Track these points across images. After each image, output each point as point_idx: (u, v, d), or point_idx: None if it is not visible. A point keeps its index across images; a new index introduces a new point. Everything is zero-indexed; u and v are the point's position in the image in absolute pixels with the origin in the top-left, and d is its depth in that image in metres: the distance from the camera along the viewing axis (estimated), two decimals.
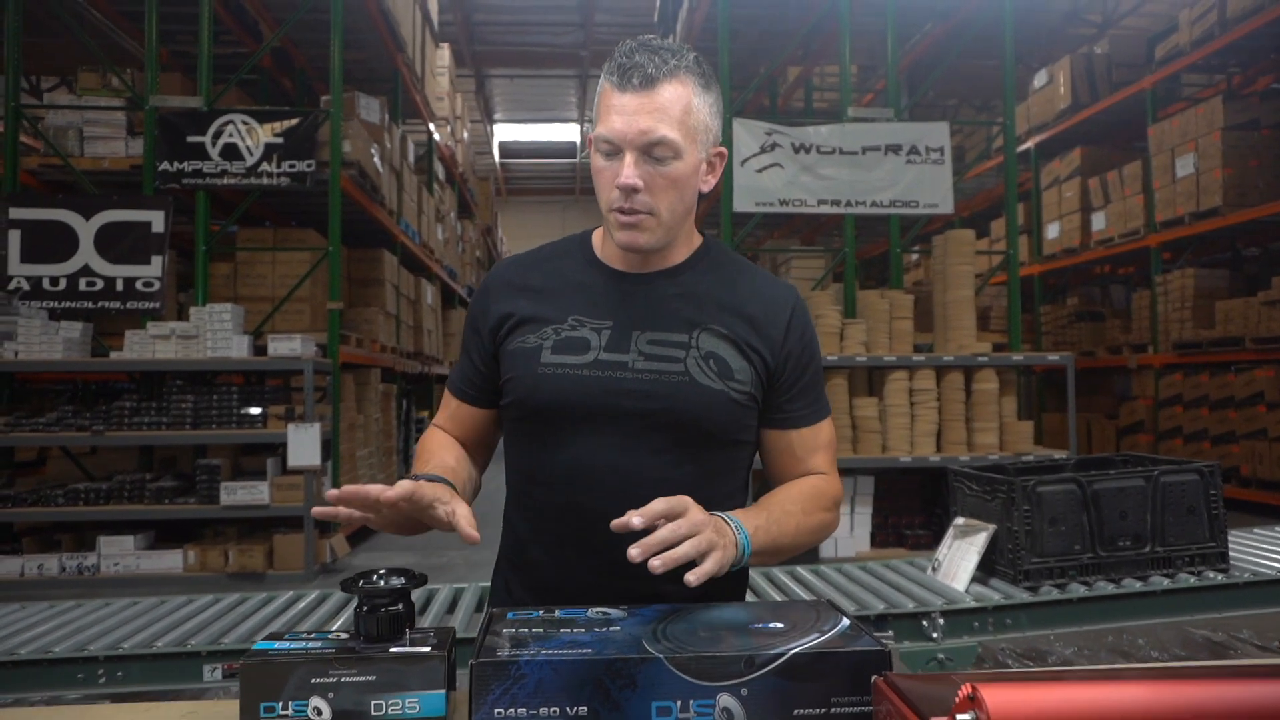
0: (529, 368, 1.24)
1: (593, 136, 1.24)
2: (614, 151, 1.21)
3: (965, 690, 0.61)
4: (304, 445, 5.23)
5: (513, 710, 0.79)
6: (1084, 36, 9.27)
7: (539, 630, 0.89)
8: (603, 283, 1.29)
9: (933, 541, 5.43)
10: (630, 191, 1.19)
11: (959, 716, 0.60)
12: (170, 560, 5.25)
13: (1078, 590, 2.33)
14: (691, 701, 0.81)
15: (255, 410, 5.44)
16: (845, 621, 0.92)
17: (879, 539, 5.50)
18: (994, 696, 0.58)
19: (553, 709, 0.79)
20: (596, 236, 1.35)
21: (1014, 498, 2.36)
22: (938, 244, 5.89)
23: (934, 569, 2.58)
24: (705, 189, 1.28)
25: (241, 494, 5.26)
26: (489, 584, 1.38)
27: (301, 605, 2.52)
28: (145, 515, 5.30)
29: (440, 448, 1.32)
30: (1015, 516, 2.36)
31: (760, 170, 5.86)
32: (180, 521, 5.51)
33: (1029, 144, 9.00)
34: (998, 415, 5.47)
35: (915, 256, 10.38)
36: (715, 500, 1.24)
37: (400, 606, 0.94)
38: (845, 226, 6.24)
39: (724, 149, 1.29)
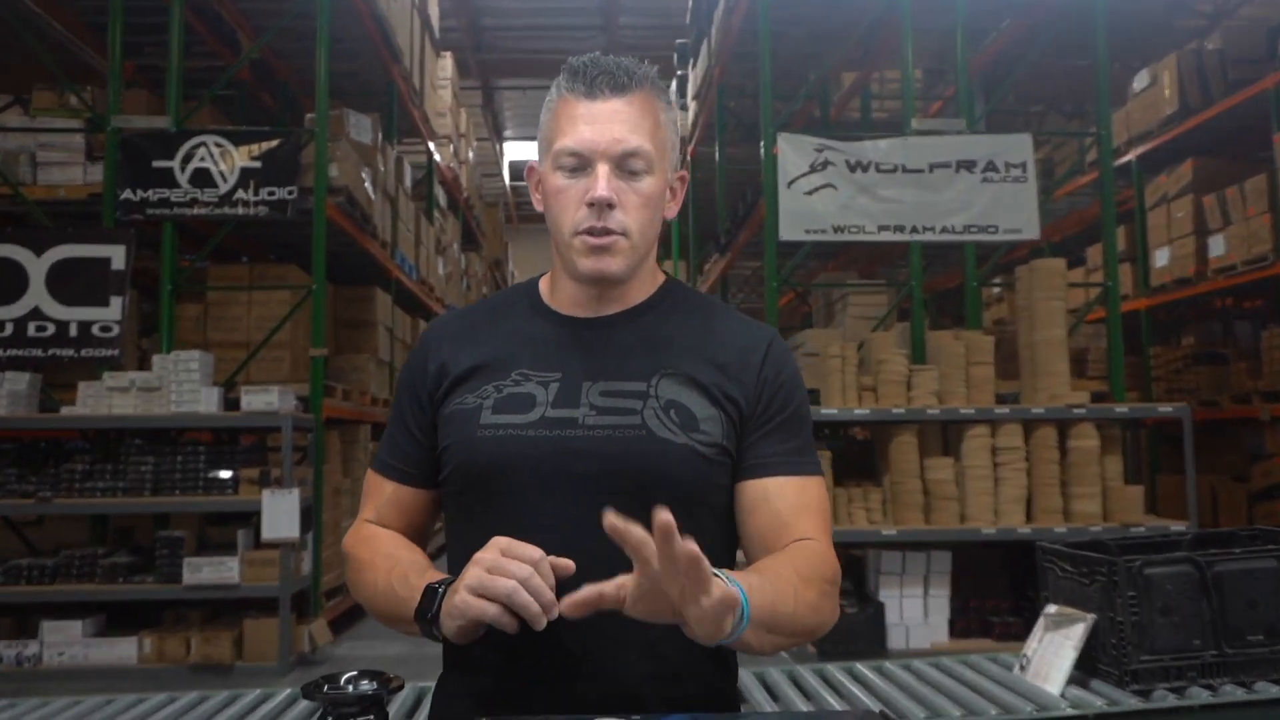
0: (467, 431, 1.25)
1: (540, 163, 1.28)
2: (580, 166, 1.25)
3: None
4: (281, 514, 5.26)
5: None
6: (1192, 30, 9.26)
7: None
8: (551, 331, 1.31)
9: (1024, 630, 5.29)
10: (605, 207, 1.22)
11: None
12: (124, 649, 5.27)
13: (1200, 696, 2.24)
14: None
15: (225, 474, 5.49)
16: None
17: (959, 627, 5.39)
18: None
19: None
20: (544, 284, 1.39)
21: (1116, 581, 2.29)
22: (1022, 275, 5.86)
23: (1022, 667, 2.51)
24: (669, 216, 1.33)
25: (208, 571, 5.29)
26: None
27: (270, 707, 2.50)
28: (96, 596, 5.33)
29: (394, 546, 1.30)
30: (1119, 604, 2.29)
31: (810, 192, 5.88)
32: (136, 604, 5.54)
33: (1129, 156, 8.96)
34: (1099, 479, 5.37)
35: (995, 290, 10.31)
36: None
37: (372, 716, 0.93)
38: (911, 257, 6.23)
39: (685, 173, 1.34)
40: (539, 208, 1.34)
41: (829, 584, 1.22)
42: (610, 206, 1.23)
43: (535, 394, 1.25)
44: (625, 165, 1.24)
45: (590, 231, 1.24)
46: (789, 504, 1.26)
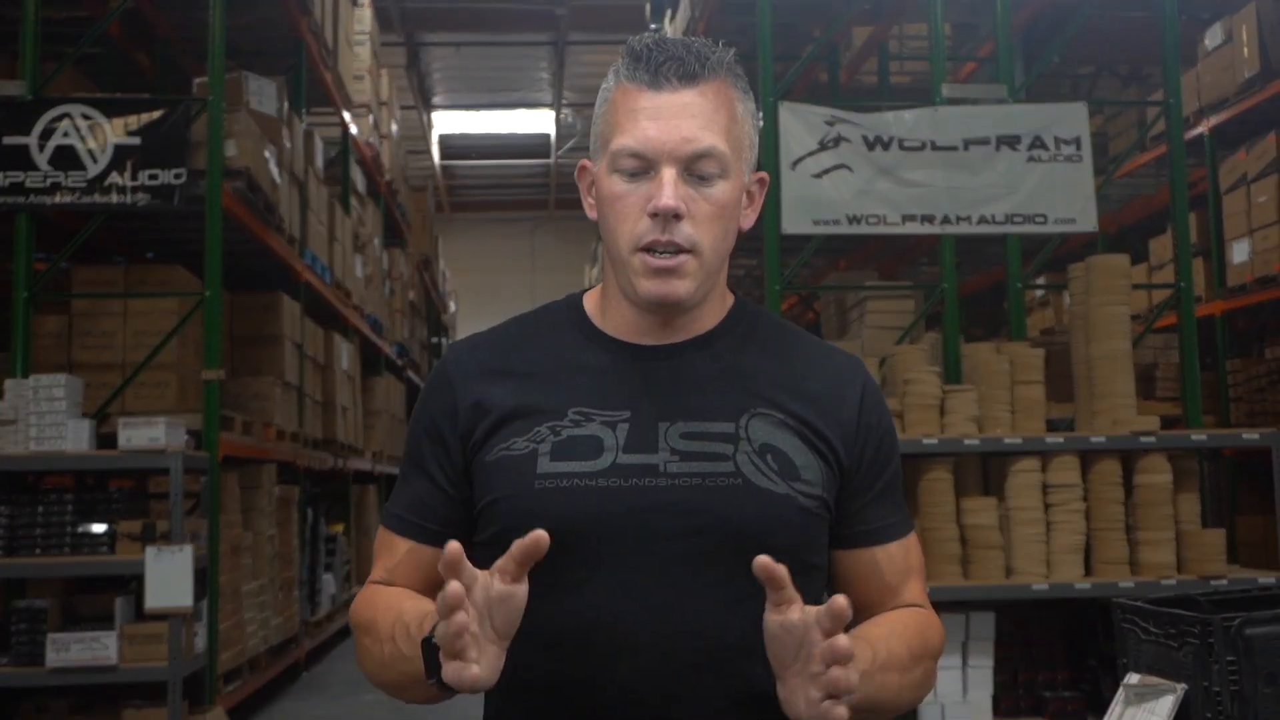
0: (520, 483, 1.27)
1: (595, 161, 1.32)
2: (642, 170, 1.27)
3: None
4: (169, 578, 5.24)
5: None
6: None
7: None
8: (610, 361, 1.33)
9: (1086, 708, 5.38)
10: (670, 219, 1.25)
11: None
12: None
13: None
14: None
15: (99, 528, 5.46)
16: None
17: (1005, 704, 5.46)
18: None
19: None
20: (590, 302, 1.40)
21: (1212, 644, 2.37)
22: (1077, 275, 5.98)
23: None
24: (746, 225, 1.37)
25: (77, 650, 5.25)
26: None
27: None
28: None
29: (398, 598, 1.32)
30: (1215, 672, 2.37)
31: (819, 175, 5.97)
32: None
33: (1201, 128, 9.17)
34: (1173, 521, 5.48)
35: (1042, 293, 10.49)
36: None
37: None
38: (943, 252, 6.35)
39: (765, 174, 1.38)
40: (590, 214, 1.36)
41: (934, 659, 1.32)
42: (677, 218, 1.25)
43: (602, 437, 1.27)
44: (695, 169, 1.27)
45: (652, 248, 1.26)
46: (896, 571, 1.37)
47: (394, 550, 1.37)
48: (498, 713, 1.32)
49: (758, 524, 1.25)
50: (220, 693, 5.96)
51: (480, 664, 1.10)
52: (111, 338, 6.35)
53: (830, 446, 1.32)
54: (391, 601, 1.31)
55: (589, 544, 1.25)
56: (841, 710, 1.06)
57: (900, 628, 1.29)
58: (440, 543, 1.32)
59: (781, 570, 1.08)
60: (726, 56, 1.32)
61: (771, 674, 1.26)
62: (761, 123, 1.33)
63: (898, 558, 1.37)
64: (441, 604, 1.07)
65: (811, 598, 1.32)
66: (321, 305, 8.66)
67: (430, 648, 1.15)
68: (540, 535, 1.10)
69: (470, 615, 1.08)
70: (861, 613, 1.34)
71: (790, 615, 1.10)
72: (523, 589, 1.12)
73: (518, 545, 1.10)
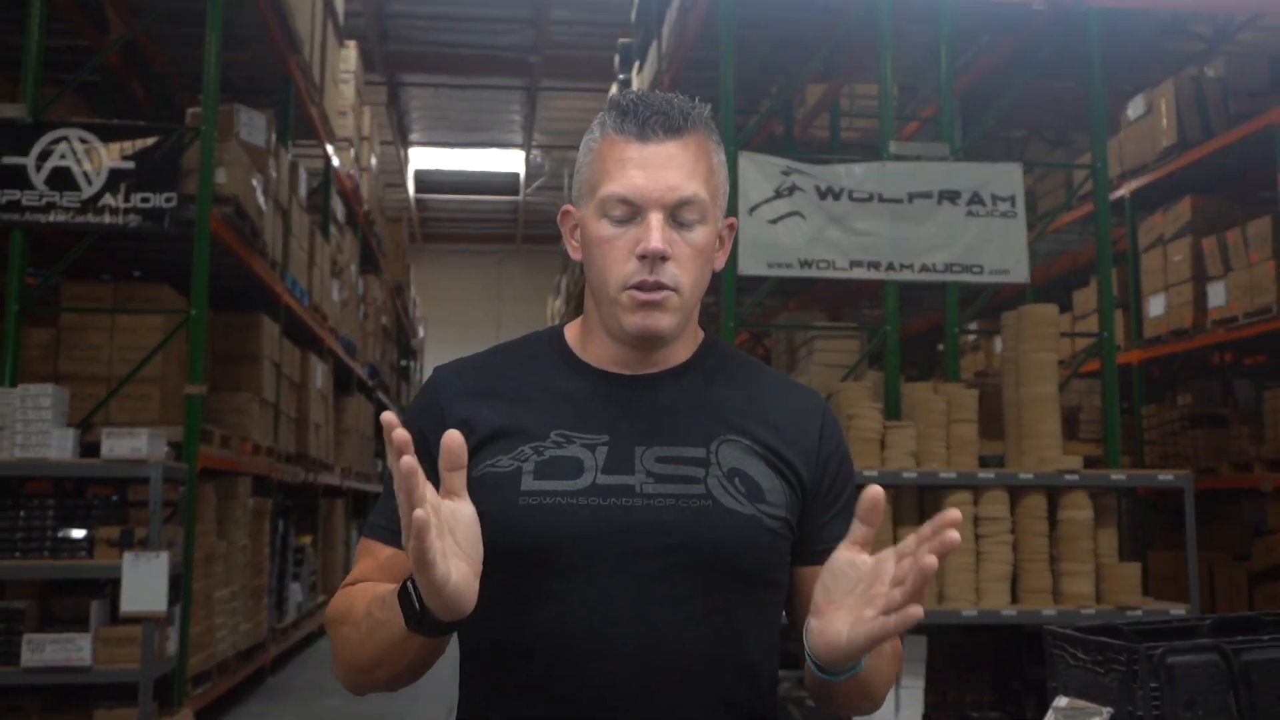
0: (506, 499, 1.27)
1: (580, 206, 1.33)
2: (630, 215, 1.30)
3: None
4: (145, 583, 5.15)
5: None
6: (1190, 53, 9.72)
7: None
8: (591, 388, 1.35)
9: None
10: (657, 260, 1.27)
11: None
12: None
13: None
14: None
15: (78, 533, 5.36)
16: None
17: None
18: None
19: None
20: (570, 334, 1.43)
21: (1136, 671, 2.39)
22: (1009, 322, 6.06)
23: None
24: (718, 268, 1.40)
25: (53, 651, 5.14)
26: None
27: None
28: None
29: (370, 585, 1.32)
30: (1139, 698, 2.39)
31: (774, 221, 6.02)
32: None
33: (1123, 191, 9.35)
34: (1093, 554, 5.54)
35: (974, 338, 10.62)
36: (751, 661, 1.29)
37: None
38: (886, 297, 6.40)
39: (735, 220, 1.42)
40: (574, 255, 1.39)
41: (896, 660, 1.37)
42: (663, 259, 1.29)
43: (582, 458, 1.29)
44: (679, 215, 1.30)
45: (641, 286, 1.29)
46: None
47: (375, 556, 1.36)
48: (476, 715, 1.31)
49: (726, 542, 1.27)
50: (189, 695, 5.85)
51: (451, 572, 1.11)
52: (98, 351, 6.25)
53: (793, 470, 1.35)
54: (366, 589, 1.32)
55: (569, 558, 1.26)
56: (917, 610, 1.12)
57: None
58: None
59: (882, 507, 1.15)
60: (704, 112, 1.36)
61: (741, 683, 1.27)
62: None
63: None
64: (404, 511, 1.08)
65: (772, 612, 1.34)
66: (299, 326, 8.58)
67: (406, 594, 1.17)
68: (454, 437, 1.13)
69: (431, 518, 1.09)
70: None
71: (863, 555, 1.16)
72: (467, 505, 1.15)
73: (444, 456, 1.13)
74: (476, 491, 1.28)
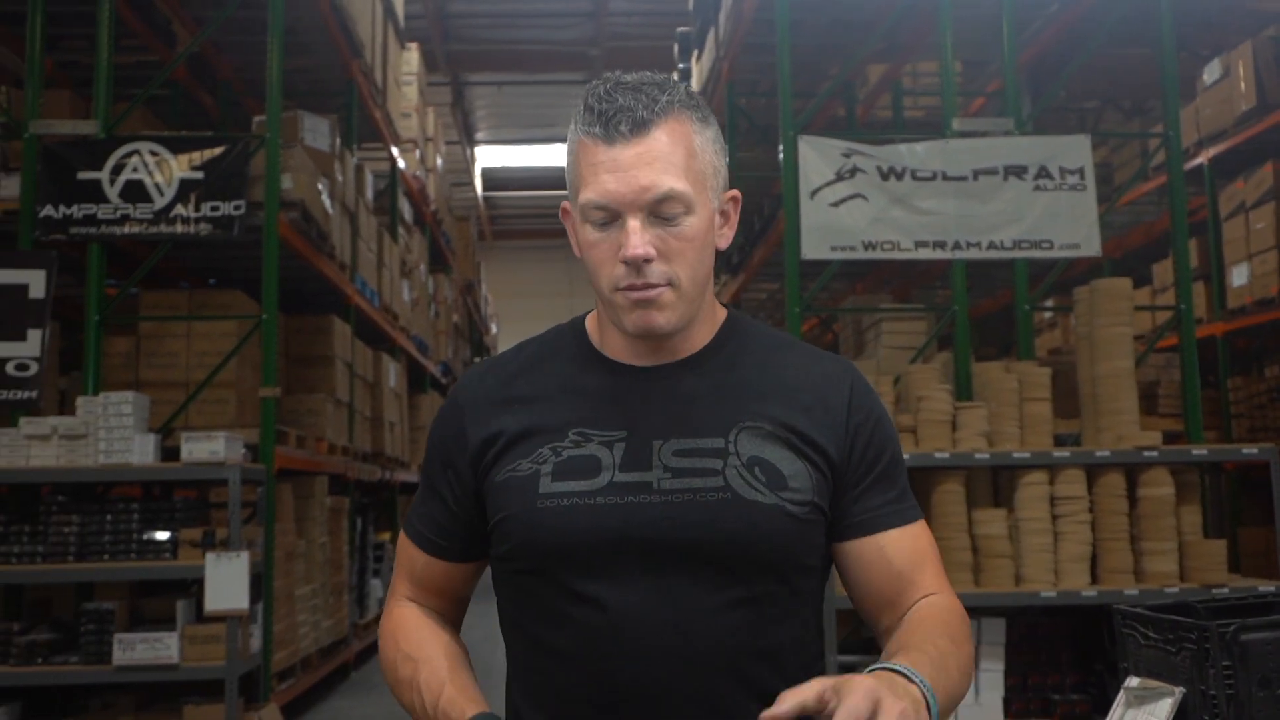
0: (524, 502, 1.29)
1: (572, 206, 1.32)
2: (610, 219, 1.27)
3: None
4: (227, 582, 5.28)
5: None
6: (1270, 13, 9.42)
7: None
8: (609, 383, 1.35)
9: (1092, 710, 5.32)
10: (642, 264, 1.25)
11: None
12: None
13: None
14: None
15: (162, 535, 5.52)
16: None
17: (1016, 707, 5.41)
18: None
19: None
20: (591, 325, 1.41)
21: (1208, 649, 2.34)
22: (1081, 298, 5.94)
23: None
24: (723, 245, 1.36)
25: (142, 649, 5.30)
26: None
27: None
28: (12, 680, 5.33)
29: (436, 651, 1.35)
30: (1211, 676, 2.34)
31: (836, 204, 5.98)
32: (59, 689, 5.53)
33: (1200, 159, 9.10)
34: (1175, 532, 5.42)
35: (1049, 315, 10.43)
36: (782, 649, 1.28)
37: None
38: (954, 277, 6.32)
39: (737, 192, 1.36)
40: (577, 253, 1.37)
41: (969, 640, 1.32)
42: (648, 262, 1.26)
43: (599, 456, 1.29)
44: (659, 212, 1.26)
45: (630, 288, 1.28)
46: (905, 558, 1.33)
47: (411, 562, 1.43)
48: (516, 715, 1.34)
49: (745, 534, 1.26)
50: (274, 690, 5.99)
51: None
52: (176, 358, 6.42)
53: (819, 450, 1.32)
54: (414, 649, 1.36)
55: (589, 558, 1.27)
56: None
57: (933, 624, 1.28)
58: (451, 559, 1.40)
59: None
60: (678, 93, 1.31)
61: (773, 672, 1.27)
62: (726, 149, 1.29)
63: (903, 544, 1.34)
64: None
65: (806, 597, 1.33)
66: (370, 327, 8.72)
67: None
68: None
69: None
70: (876, 604, 1.34)
71: None
72: None
73: None
74: (500, 496, 1.32)
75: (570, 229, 1.38)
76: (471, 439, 1.34)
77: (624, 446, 1.29)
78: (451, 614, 1.45)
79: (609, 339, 1.38)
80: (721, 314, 1.42)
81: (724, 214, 1.35)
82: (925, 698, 1.09)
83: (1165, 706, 2.45)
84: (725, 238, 1.36)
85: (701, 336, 1.37)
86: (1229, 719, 2.37)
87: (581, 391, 1.34)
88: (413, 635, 1.37)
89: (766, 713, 1.00)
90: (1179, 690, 2.45)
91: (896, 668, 1.11)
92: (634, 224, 1.25)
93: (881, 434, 1.36)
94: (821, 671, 1.38)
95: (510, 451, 1.32)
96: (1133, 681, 2.59)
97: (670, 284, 1.28)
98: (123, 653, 5.30)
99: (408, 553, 1.42)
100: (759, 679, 1.27)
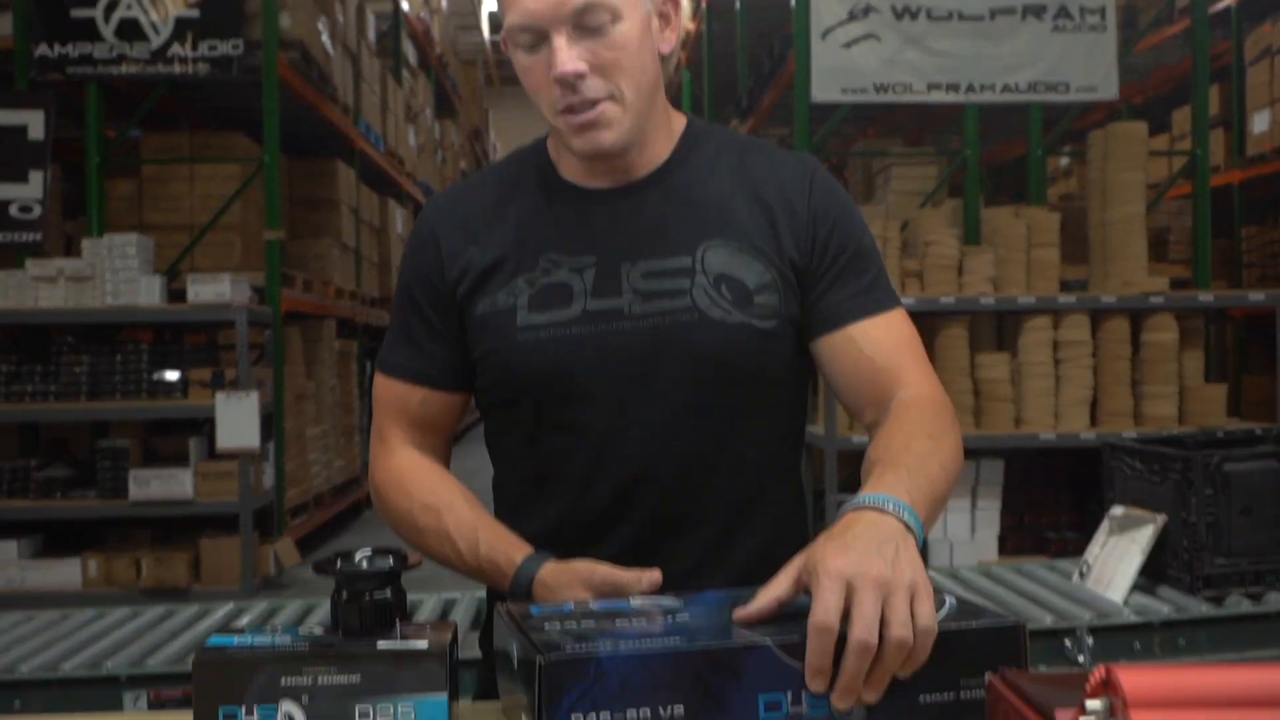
0: (504, 335, 1.29)
1: (505, 33, 1.26)
2: (537, 41, 1.23)
3: (1098, 675, 0.67)
4: (238, 421, 5.39)
5: (595, 714, 0.87)
6: None
7: (590, 624, 0.97)
8: (574, 208, 1.32)
9: (1084, 548, 5.46)
10: (574, 81, 1.21)
11: (1090, 703, 0.66)
12: (66, 572, 5.46)
13: (1278, 602, 2.37)
14: (804, 692, 0.90)
15: (172, 375, 5.60)
16: (950, 601, 1.01)
17: (1010, 544, 5.55)
18: (1131, 679, 0.65)
19: (642, 710, 0.88)
20: (552, 148, 1.38)
21: (1192, 478, 2.40)
22: (1095, 142, 5.86)
23: (1082, 574, 2.63)
24: (666, 49, 1.30)
25: (156, 485, 5.45)
26: (485, 593, 1.43)
27: (245, 621, 2.65)
28: (31, 514, 5.51)
29: (456, 497, 1.33)
30: (1194, 504, 2.41)
31: (848, 45, 5.85)
32: (77, 523, 5.71)
33: (1228, 1, 8.83)
34: (1177, 377, 5.46)
35: (1064, 161, 10.27)
36: (757, 460, 1.32)
37: (389, 593, 1.02)
38: (966, 120, 6.22)
39: None
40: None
41: (953, 425, 1.25)
42: (580, 78, 1.21)
43: (571, 283, 1.28)
44: (584, 23, 1.21)
45: (570, 109, 1.23)
46: (879, 347, 1.30)
47: (405, 401, 1.37)
48: (548, 538, 1.30)
49: (715, 355, 1.26)
50: (288, 525, 6.17)
51: None
52: (179, 201, 6.40)
53: (786, 254, 1.30)
54: (430, 497, 1.33)
55: (568, 388, 1.28)
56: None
57: (911, 425, 1.22)
58: (451, 389, 1.36)
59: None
60: None
61: (749, 482, 1.31)
62: None
63: (875, 334, 1.30)
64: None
65: (782, 408, 1.35)
66: (376, 172, 8.66)
67: (519, 586, 1.22)
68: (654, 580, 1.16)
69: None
70: (857, 397, 1.32)
71: None
72: None
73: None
74: (479, 330, 1.31)
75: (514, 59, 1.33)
76: (448, 266, 1.33)
77: (594, 272, 1.28)
78: (447, 454, 1.43)
79: (566, 163, 1.34)
80: (680, 123, 1.37)
81: (663, 16, 1.29)
82: (908, 524, 1.04)
83: (1147, 533, 2.52)
84: (668, 41, 1.30)
85: (660, 150, 1.34)
86: (1209, 545, 2.45)
87: (548, 217, 1.32)
88: (424, 482, 1.34)
89: (739, 612, 0.97)
90: (1161, 517, 2.52)
91: (871, 502, 1.05)
92: (559, 41, 1.20)
93: (846, 226, 1.33)
94: (797, 483, 1.41)
95: (488, 283, 1.31)
96: (1117, 510, 2.67)
97: (612, 98, 1.23)
98: (138, 488, 5.45)
99: (395, 393, 1.38)
100: (734, 491, 1.31)
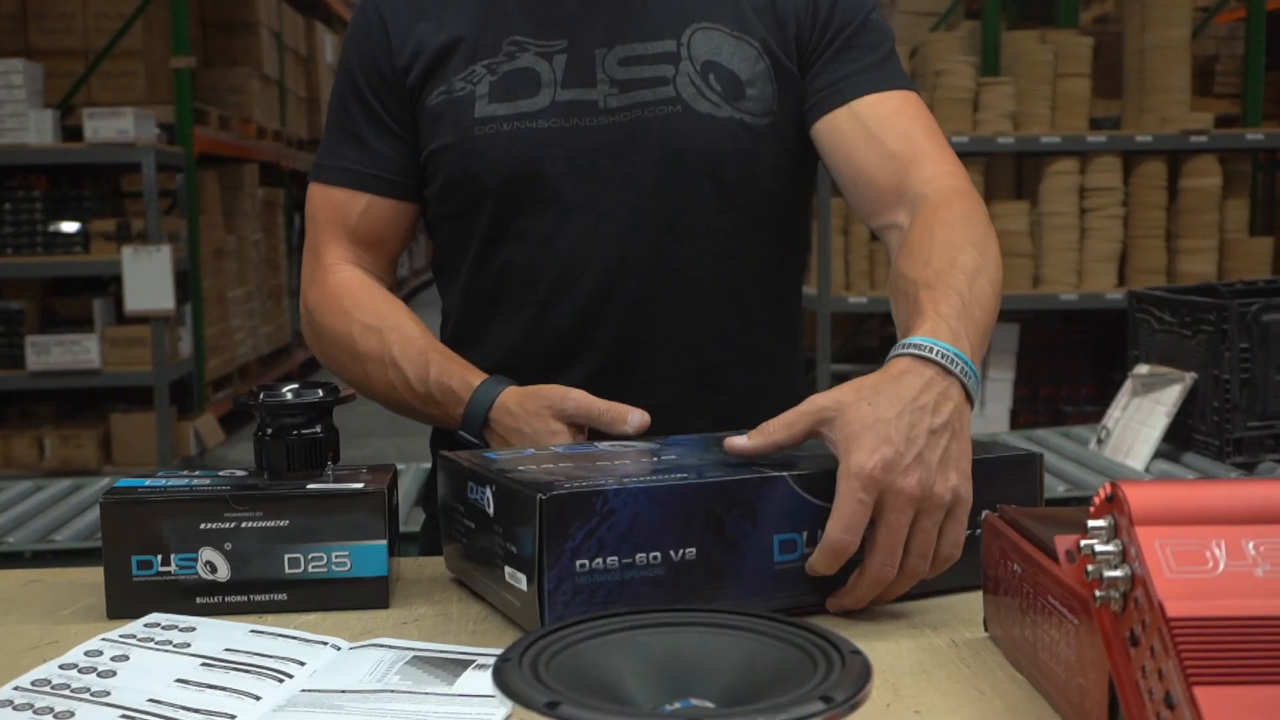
0: (460, 128, 1.26)
1: None
2: None
3: (1103, 492, 0.70)
4: (148, 279, 5.35)
5: (601, 559, 0.87)
6: None
7: (568, 465, 0.96)
8: None
9: None
10: None
11: (1093, 522, 0.69)
12: None
13: None
14: (819, 532, 0.91)
15: (70, 227, 5.54)
16: None
17: (1023, 419, 5.64)
18: (1136, 493, 0.67)
19: (653, 554, 0.88)
20: None
21: (1226, 331, 2.44)
22: None
23: (1100, 440, 2.69)
24: None
25: (57, 353, 5.43)
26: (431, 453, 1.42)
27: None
28: None
29: (403, 317, 1.30)
30: (1227, 360, 2.45)
31: None
32: None
33: None
34: (1218, 229, 5.48)
35: None
36: (743, 286, 1.30)
37: (319, 430, 1.04)
38: None
39: None
40: None
41: (990, 226, 1.20)
42: None
43: (539, 70, 1.26)
44: None
45: None
46: (890, 128, 1.25)
47: (346, 210, 1.33)
48: (503, 370, 1.28)
49: (701, 153, 1.25)
50: (210, 400, 6.19)
51: None
52: (71, 21, 6.22)
53: (786, 31, 1.28)
54: (372, 317, 1.30)
55: (531, 192, 1.26)
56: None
57: (950, 233, 1.14)
58: (403, 196, 1.33)
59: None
60: None
61: (732, 311, 1.30)
62: None
63: (883, 112, 1.26)
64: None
65: (776, 226, 1.34)
66: None
67: (469, 423, 1.22)
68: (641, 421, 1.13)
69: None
70: (879, 203, 1.25)
71: None
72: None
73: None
74: (431, 123, 1.28)
75: None
76: (398, 52, 1.30)
77: (565, 58, 1.26)
78: (392, 279, 1.40)
79: None
80: None
81: None
82: (967, 387, 0.97)
83: (1174, 393, 2.58)
84: None
85: None
86: (1241, 405, 2.50)
87: None
88: (365, 302, 1.31)
89: (732, 441, 0.96)
90: (1190, 375, 2.57)
91: (928, 350, 0.96)
92: None
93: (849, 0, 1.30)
94: (792, 321, 1.40)
95: (441, 69, 1.28)
96: (1142, 369, 2.72)
97: None
98: (37, 356, 5.43)
99: (334, 202, 1.34)
100: (719, 320, 1.30)
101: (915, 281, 1.09)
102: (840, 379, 6.19)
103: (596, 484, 0.88)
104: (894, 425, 0.90)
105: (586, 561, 0.86)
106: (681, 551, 0.89)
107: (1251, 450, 2.46)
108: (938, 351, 0.97)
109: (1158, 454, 2.56)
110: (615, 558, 0.87)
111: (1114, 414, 2.68)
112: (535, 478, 0.91)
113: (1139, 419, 2.58)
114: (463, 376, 1.22)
